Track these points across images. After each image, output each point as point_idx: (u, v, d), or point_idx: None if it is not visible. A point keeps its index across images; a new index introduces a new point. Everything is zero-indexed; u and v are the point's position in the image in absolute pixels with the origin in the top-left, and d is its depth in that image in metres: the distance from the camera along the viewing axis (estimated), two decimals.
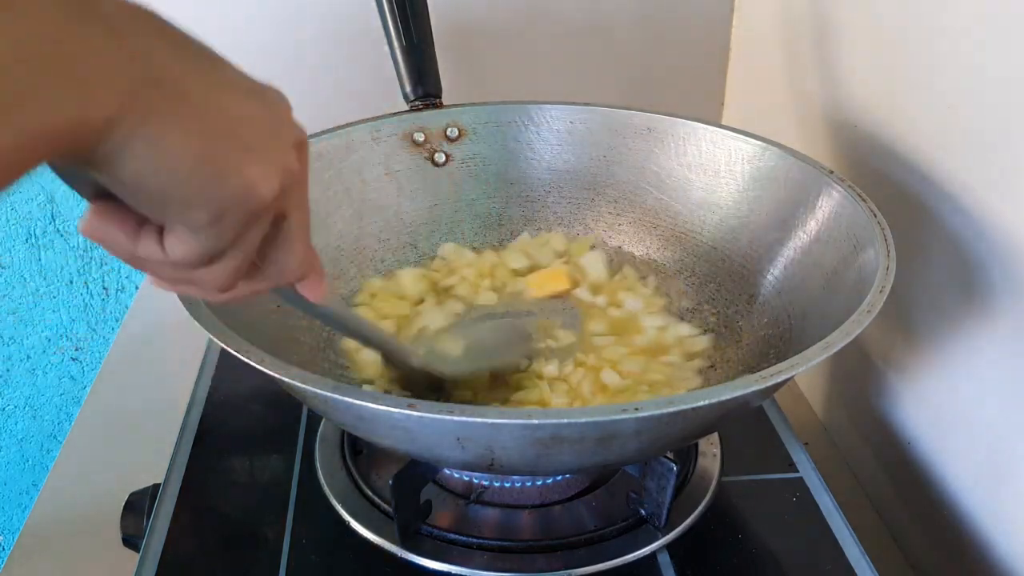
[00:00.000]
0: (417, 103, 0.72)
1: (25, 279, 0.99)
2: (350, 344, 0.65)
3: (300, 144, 0.36)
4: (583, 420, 0.40)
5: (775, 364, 0.43)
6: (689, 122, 0.71)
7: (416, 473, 0.53)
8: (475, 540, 0.54)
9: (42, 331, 1.03)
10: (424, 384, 0.58)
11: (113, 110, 0.28)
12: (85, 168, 0.30)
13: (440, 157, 0.74)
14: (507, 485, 0.58)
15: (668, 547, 0.55)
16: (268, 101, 0.35)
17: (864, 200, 0.58)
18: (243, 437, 0.65)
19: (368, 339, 0.55)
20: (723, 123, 0.77)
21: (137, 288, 1.01)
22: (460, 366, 0.62)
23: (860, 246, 0.56)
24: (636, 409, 0.40)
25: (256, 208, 0.33)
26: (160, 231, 0.33)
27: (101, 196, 0.33)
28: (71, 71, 0.27)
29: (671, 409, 0.41)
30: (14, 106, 0.25)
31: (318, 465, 0.61)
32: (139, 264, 0.35)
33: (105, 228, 0.33)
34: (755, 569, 0.54)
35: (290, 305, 0.45)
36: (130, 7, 0.30)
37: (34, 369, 1.05)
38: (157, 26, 0.31)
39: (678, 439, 0.53)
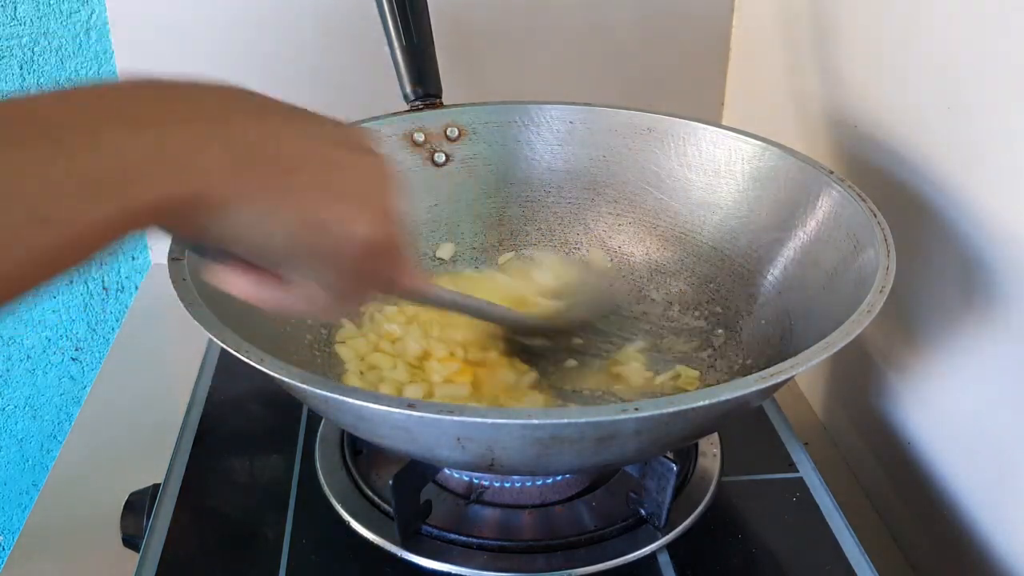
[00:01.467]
0: (417, 103, 0.72)
1: None
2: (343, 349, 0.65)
3: (389, 183, 0.39)
4: (583, 420, 0.40)
5: (775, 364, 0.43)
6: (689, 122, 0.71)
7: (416, 473, 0.53)
8: (475, 540, 0.54)
9: (42, 331, 1.02)
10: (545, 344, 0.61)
11: (223, 191, 0.32)
12: (210, 242, 0.33)
13: (440, 157, 0.74)
14: (507, 485, 0.58)
15: (668, 547, 0.55)
16: (358, 144, 0.38)
17: (864, 200, 0.58)
18: (243, 437, 0.65)
19: (467, 309, 0.57)
20: (723, 123, 0.77)
21: (137, 288, 1.01)
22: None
23: (860, 246, 0.56)
24: (636, 409, 0.40)
25: (359, 255, 0.36)
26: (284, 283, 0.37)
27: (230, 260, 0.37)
28: (190, 164, 0.31)
29: (671, 409, 0.41)
30: (128, 183, 0.29)
31: (318, 465, 0.61)
32: (277, 310, 0.39)
33: (231, 283, 0.38)
34: (755, 569, 0.54)
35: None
36: (223, 94, 0.36)
37: (34, 369, 1.05)
38: (243, 98, 0.36)
39: (678, 439, 0.53)
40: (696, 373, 0.65)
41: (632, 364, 0.66)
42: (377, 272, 0.40)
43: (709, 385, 0.62)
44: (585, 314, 0.66)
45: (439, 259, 0.75)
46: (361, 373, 0.63)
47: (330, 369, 0.63)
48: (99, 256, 0.31)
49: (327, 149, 0.36)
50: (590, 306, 0.68)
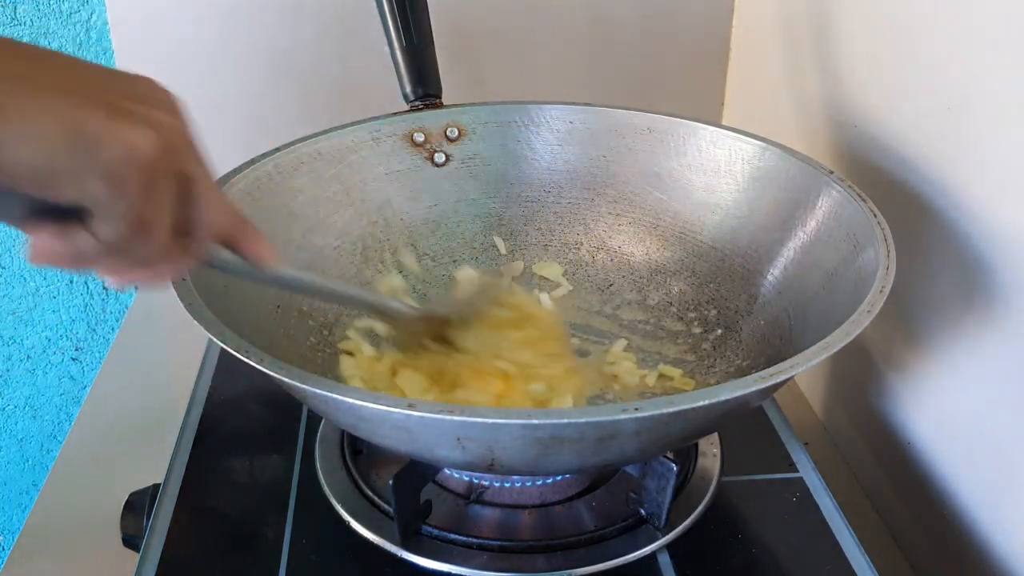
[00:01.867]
0: (417, 103, 0.72)
1: (25, 279, 0.99)
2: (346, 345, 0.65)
3: (172, 106, 0.37)
4: (583, 420, 0.40)
5: (775, 364, 0.43)
6: (689, 122, 0.71)
7: (416, 473, 0.53)
8: (475, 540, 0.54)
9: (42, 331, 1.02)
10: (423, 335, 0.60)
11: None
12: None
13: (440, 157, 0.74)
14: (507, 485, 0.58)
15: (668, 547, 0.55)
16: (131, 76, 0.37)
17: (864, 200, 0.58)
18: (243, 437, 0.65)
19: (348, 299, 0.57)
20: (723, 123, 0.77)
21: (137, 288, 1.01)
22: (452, 305, 0.64)
23: (860, 246, 0.56)
24: (636, 409, 0.40)
25: (145, 164, 0.34)
26: (87, 228, 0.35)
27: (30, 218, 0.35)
28: None
29: (671, 409, 0.41)
30: None
31: (318, 465, 0.61)
32: (87, 265, 0.37)
33: (45, 249, 0.36)
34: (755, 569, 0.54)
35: (253, 279, 0.47)
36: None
37: (34, 369, 1.05)
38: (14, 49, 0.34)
39: (678, 439, 0.53)
40: (678, 371, 0.65)
41: (625, 363, 0.66)
42: (184, 211, 0.37)
43: (706, 385, 0.62)
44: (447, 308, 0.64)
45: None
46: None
47: (330, 369, 0.63)
48: None
49: (98, 72, 0.35)
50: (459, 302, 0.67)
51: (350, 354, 0.65)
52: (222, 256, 0.44)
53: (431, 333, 0.61)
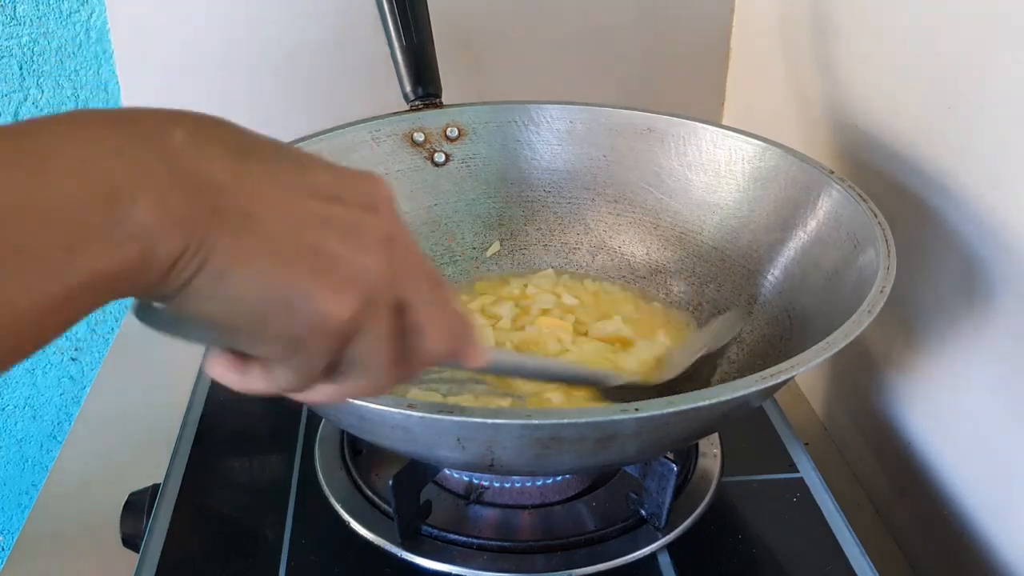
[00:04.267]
0: (417, 103, 0.72)
1: None
2: None
3: (389, 238, 0.32)
4: (583, 420, 0.40)
5: (775, 364, 0.43)
6: (689, 122, 0.71)
7: (416, 473, 0.53)
8: (475, 540, 0.54)
9: None
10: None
11: (175, 250, 0.27)
12: (162, 302, 0.29)
13: (440, 157, 0.74)
14: (507, 485, 0.58)
15: (668, 547, 0.55)
16: (348, 199, 0.32)
17: (864, 200, 0.58)
18: (243, 437, 0.65)
19: (546, 374, 0.54)
20: (723, 123, 0.77)
21: None
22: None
23: (860, 246, 0.56)
24: (636, 409, 0.40)
25: (337, 332, 0.30)
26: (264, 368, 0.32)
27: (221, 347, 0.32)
28: (127, 216, 0.25)
29: (671, 409, 0.41)
30: (75, 248, 0.25)
31: (318, 465, 0.61)
32: (275, 394, 0.33)
33: (221, 372, 0.33)
34: (755, 569, 0.54)
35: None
36: (199, 128, 0.28)
37: (34, 369, 1.05)
38: (221, 139, 0.29)
39: (678, 439, 0.53)
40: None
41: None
42: (404, 339, 0.33)
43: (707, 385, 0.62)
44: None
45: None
46: None
47: None
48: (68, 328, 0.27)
49: (311, 203, 0.30)
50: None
51: None
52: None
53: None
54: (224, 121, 0.30)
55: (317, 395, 0.34)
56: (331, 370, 0.32)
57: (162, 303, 0.29)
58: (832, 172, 0.62)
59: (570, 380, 0.56)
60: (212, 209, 0.27)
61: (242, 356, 0.32)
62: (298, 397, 0.34)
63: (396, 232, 0.32)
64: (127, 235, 0.25)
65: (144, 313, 0.30)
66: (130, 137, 0.27)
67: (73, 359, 1.05)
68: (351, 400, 0.36)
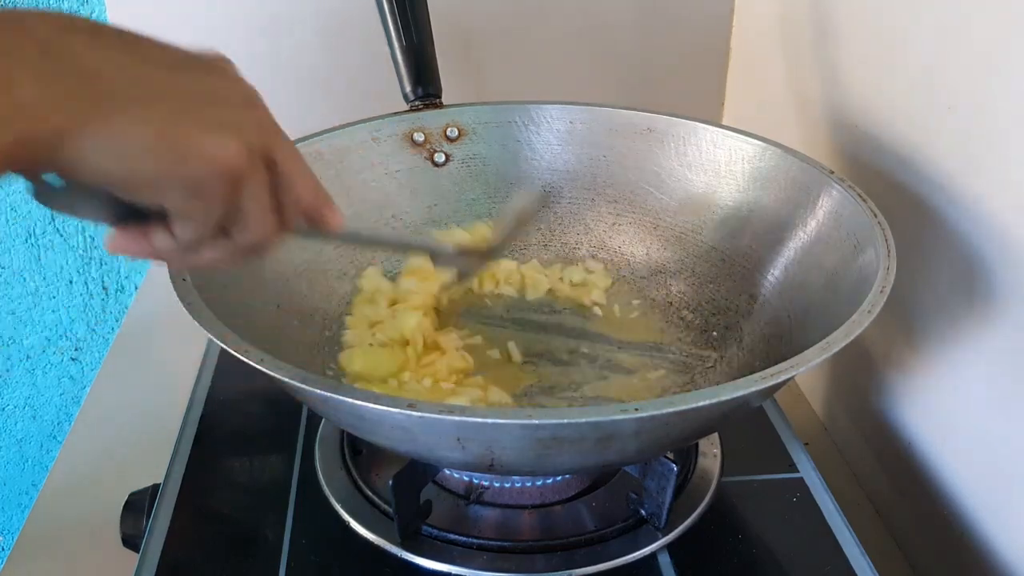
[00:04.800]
0: (417, 103, 0.72)
1: (25, 279, 0.99)
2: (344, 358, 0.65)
3: (249, 99, 0.37)
4: (583, 420, 0.40)
5: (775, 364, 0.43)
6: (689, 122, 0.71)
7: (416, 473, 0.53)
8: (475, 540, 0.54)
9: (42, 331, 1.02)
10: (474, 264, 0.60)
11: (59, 123, 0.31)
12: (58, 173, 0.33)
13: (440, 157, 0.74)
14: (507, 485, 0.58)
15: (668, 547, 0.55)
16: (206, 68, 0.37)
17: (864, 200, 0.58)
18: (243, 437, 0.65)
19: (395, 245, 0.62)
20: (723, 123, 0.77)
21: (137, 288, 1.01)
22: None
23: (860, 246, 0.56)
24: (636, 409, 0.40)
25: (228, 173, 0.34)
26: (166, 225, 0.36)
27: (114, 218, 0.36)
28: (11, 97, 0.30)
29: (671, 409, 0.41)
30: None
31: (318, 465, 0.61)
32: (173, 261, 0.38)
33: (124, 244, 0.37)
34: (755, 569, 0.54)
35: (315, 239, 0.47)
36: (57, 22, 0.33)
37: (34, 369, 1.05)
38: (82, 29, 0.34)
39: (678, 439, 0.53)
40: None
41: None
42: (275, 193, 0.38)
43: (706, 384, 0.62)
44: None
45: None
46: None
47: (331, 369, 0.63)
48: None
49: (176, 72, 0.35)
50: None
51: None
52: (299, 225, 0.43)
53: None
54: (77, 16, 0.35)
55: (210, 254, 0.38)
56: (222, 226, 0.37)
57: (65, 177, 0.33)
58: (832, 172, 0.62)
59: (404, 248, 0.68)
60: (92, 86, 0.32)
61: (140, 228, 0.36)
62: (192, 260, 0.38)
63: (254, 94, 0.38)
64: (14, 113, 0.30)
65: (42, 195, 0.34)
66: (4, 34, 0.31)
67: (73, 359, 1.05)
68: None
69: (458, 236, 0.72)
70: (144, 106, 0.33)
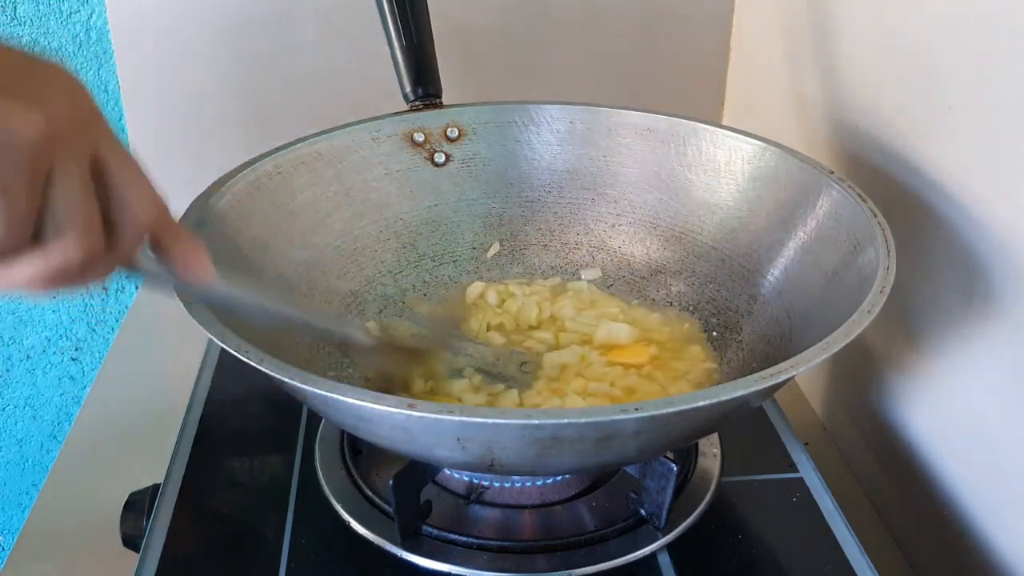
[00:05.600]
0: (417, 103, 0.72)
1: None
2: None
3: (77, 94, 0.34)
4: (583, 420, 0.40)
5: (775, 364, 0.43)
6: (689, 122, 0.71)
7: (416, 473, 0.53)
8: (475, 540, 0.54)
9: (42, 331, 1.02)
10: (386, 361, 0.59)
11: None
12: None
13: (440, 157, 0.74)
14: (507, 485, 0.58)
15: (668, 547, 0.55)
16: (37, 61, 0.34)
17: (864, 200, 0.58)
18: (243, 437, 0.65)
19: (298, 325, 0.52)
20: (723, 123, 0.77)
21: (137, 288, 1.01)
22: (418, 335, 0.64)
23: (860, 246, 0.56)
24: (636, 409, 0.40)
25: (28, 148, 0.30)
26: None
27: None
28: None
29: (671, 409, 0.41)
30: None
31: (318, 465, 0.61)
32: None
33: None
34: (755, 569, 0.54)
35: (181, 295, 0.41)
36: None
37: (34, 369, 1.05)
38: None
39: (678, 439, 0.53)
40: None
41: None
42: (104, 203, 0.33)
43: (708, 385, 0.62)
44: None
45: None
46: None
47: (331, 368, 0.63)
48: None
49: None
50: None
51: None
52: (150, 266, 0.39)
53: (393, 360, 0.59)
54: None
55: (25, 269, 0.33)
56: (36, 232, 0.32)
57: None
58: (832, 172, 0.62)
59: (312, 331, 0.55)
60: None
61: None
62: (5, 278, 0.33)
63: (83, 92, 0.34)
64: None
65: None
66: None
67: (73, 359, 1.05)
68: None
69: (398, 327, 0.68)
70: None
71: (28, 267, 0.33)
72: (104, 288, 1.01)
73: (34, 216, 0.32)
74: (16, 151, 0.30)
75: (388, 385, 0.59)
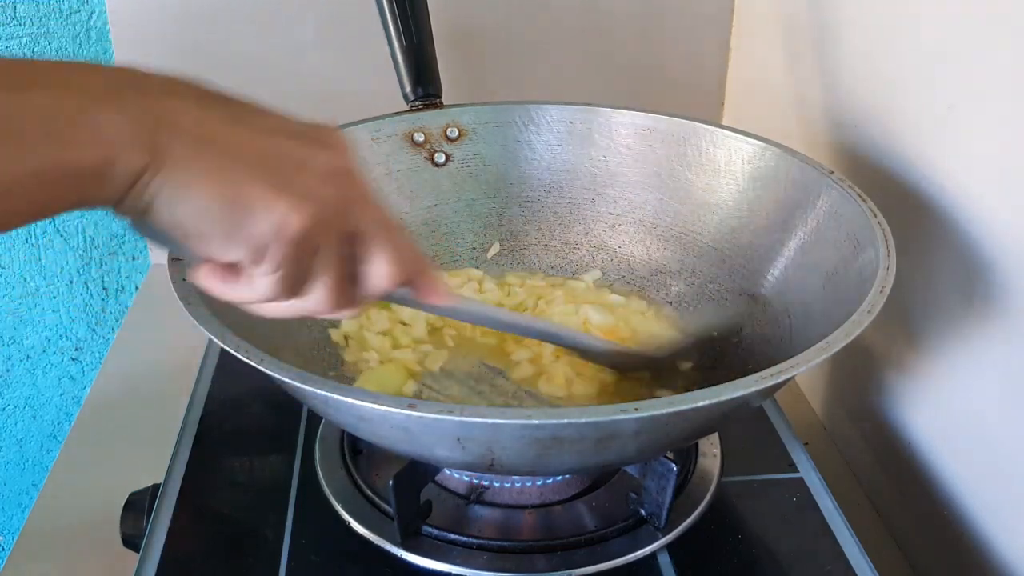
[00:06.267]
0: (417, 103, 0.72)
1: (25, 279, 0.99)
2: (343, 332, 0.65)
3: (340, 170, 0.38)
4: (583, 420, 0.40)
5: (775, 364, 0.43)
6: (689, 122, 0.71)
7: (416, 473, 0.53)
8: (475, 540, 0.54)
9: (42, 331, 1.02)
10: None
11: (138, 163, 0.32)
12: (137, 217, 0.34)
13: (440, 157, 0.74)
14: (507, 485, 0.58)
15: (668, 547, 0.55)
16: (306, 137, 0.38)
17: (864, 200, 0.58)
18: (243, 437, 0.65)
19: (517, 328, 0.58)
20: (723, 123, 0.77)
21: (137, 288, 1.01)
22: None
23: (860, 246, 0.56)
24: (636, 409, 0.40)
25: (292, 240, 0.35)
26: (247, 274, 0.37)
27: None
28: (94, 124, 0.31)
29: (671, 409, 0.41)
30: (46, 137, 0.30)
31: (318, 465, 0.61)
32: (258, 309, 0.40)
33: (206, 277, 0.38)
34: (755, 569, 0.54)
35: (423, 310, 0.48)
36: (170, 79, 0.35)
37: (34, 369, 1.05)
38: (192, 90, 0.35)
39: (678, 439, 0.53)
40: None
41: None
42: (356, 265, 0.39)
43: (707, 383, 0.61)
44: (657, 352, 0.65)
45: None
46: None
47: (331, 368, 0.63)
48: (47, 214, 0.32)
49: (268, 135, 0.36)
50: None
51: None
52: (400, 294, 0.44)
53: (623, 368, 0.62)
54: (194, 80, 0.36)
55: (286, 309, 0.40)
56: (299, 286, 0.38)
57: (135, 217, 0.34)
58: (832, 172, 0.62)
59: (550, 339, 0.60)
60: (174, 132, 0.33)
61: (226, 267, 0.37)
62: (269, 311, 0.40)
63: (352, 169, 0.39)
64: (91, 139, 0.31)
65: (136, 225, 0.35)
66: (116, 78, 0.33)
67: (73, 359, 1.05)
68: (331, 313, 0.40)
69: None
70: (221, 159, 0.34)
71: (290, 308, 0.40)
72: (104, 288, 1.02)
73: (297, 280, 0.37)
74: (281, 244, 0.35)
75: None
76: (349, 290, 0.40)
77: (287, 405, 0.65)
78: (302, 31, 0.89)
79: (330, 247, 0.37)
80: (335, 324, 0.66)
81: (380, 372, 0.64)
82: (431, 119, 0.73)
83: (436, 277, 0.44)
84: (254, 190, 0.34)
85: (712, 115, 0.99)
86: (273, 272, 0.36)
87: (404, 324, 0.67)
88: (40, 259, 0.99)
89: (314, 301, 0.39)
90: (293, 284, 0.37)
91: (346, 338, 0.66)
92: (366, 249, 0.39)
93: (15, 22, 0.88)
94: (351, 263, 0.39)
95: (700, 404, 0.41)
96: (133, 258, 1.00)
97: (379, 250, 0.39)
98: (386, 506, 0.56)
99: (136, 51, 0.88)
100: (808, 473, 0.60)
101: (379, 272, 0.40)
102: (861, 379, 0.73)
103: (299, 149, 0.37)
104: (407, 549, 0.54)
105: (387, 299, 0.44)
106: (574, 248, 0.76)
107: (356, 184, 0.39)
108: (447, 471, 0.58)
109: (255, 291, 0.37)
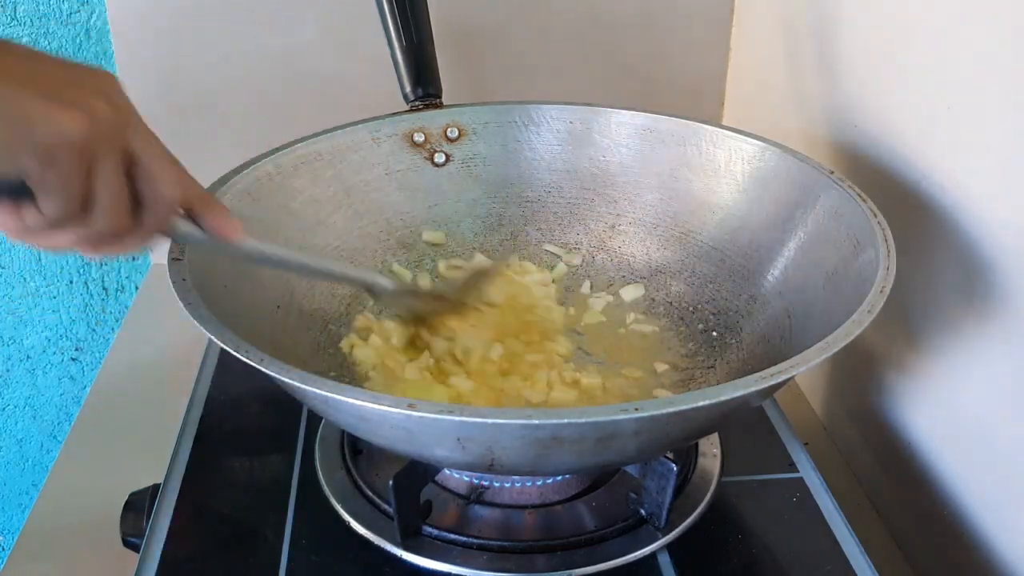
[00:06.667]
0: (417, 103, 0.72)
1: (25, 279, 0.99)
2: (349, 343, 0.65)
3: (111, 92, 0.40)
4: (583, 420, 0.40)
5: (775, 364, 0.43)
6: (689, 122, 0.71)
7: (416, 473, 0.53)
8: (475, 540, 0.54)
9: (42, 331, 1.02)
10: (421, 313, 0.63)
11: None
12: None
13: (440, 157, 0.74)
14: (507, 485, 0.58)
15: (668, 547, 0.55)
16: (77, 66, 0.40)
17: (864, 200, 0.58)
18: (243, 437, 0.65)
19: (331, 275, 0.61)
20: (723, 123, 0.77)
21: (137, 288, 1.01)
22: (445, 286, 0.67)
23: (860, 246, 0.56)
24: (636, 409, 0.40)
25: (75, 143, 0.37)
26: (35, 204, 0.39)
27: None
28: None
29: (671, 409, 0.41)
30: None
31: (318, 465, 0.61)
32: (39, 239, 0.41)
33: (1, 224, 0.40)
34: (755, 569, 0.54)
35: (224, 253, 0.49)
36: None
37: (34, 369, 1.05)
38: None
39: (678, 439, 0.53)
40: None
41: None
42: (136, 187, 0.41)
43: (706, 385, 0.62)
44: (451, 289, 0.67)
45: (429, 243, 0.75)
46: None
47: (331, 369, 0.63)
48: None
49: (37, 59, 0.38)
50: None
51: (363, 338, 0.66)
52: (187, 230, 0.46)
53: (425, 312, 0.63)
54: None
55: (71, 236, 0.41)
56: (84, 204, 0.39)
57: None
58: (832, 172, 0.62)
59: (337, 278, 0.64)
60: None
61: (13, 204, 0.39)
62: (54, 240, 0.41)
63: (122, 94, 0.41)
64: None
65: None
66: None
67: (73, 359, 1.05)
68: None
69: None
70: (5, 80, 0.36)
71: (74, 233, 0.41)
72: (104, 288, 1.02)
73: (83, 195, 0.39)
74: (68, 148, 0.37)
75: (419, 324, 0.63)
76: (134, 213, 0.41)
77: (287, 405, 0.65)
78: (302, 31, 0.89)
79: (109, 162, 0.39)
80: (344, 329, 0.66)
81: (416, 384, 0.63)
82: (431, 119, 0.73)
83: (223, 210, 0.47)
84: (29, 103, 0.36)
85: (712, 115, 0.99)
86: (59, 188, 0.38)
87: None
88: (40, 259, 0.99)
89: (100, 222, 0.40)
90: (79, 200, 0.39)
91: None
92: (144, 169, 0.41)
93: (15, 22, 0.88)
94: (132, 184, 0.41)
95: (700, 404, 0.41)
96: (133, 258, 1.00)
97: (157, 170, 0.42)
98: (386, 506, 0.56)
99: (136, 51, 0.88)
100: (808, 473, 0.60)
101: (160, 191, 0.42)
102: (861, 379, 0.73)
103: (68, 71, 0.39)
104: (407, 549, 0.54)
105: (179, 238, 0.46)
106: (574, 248, 0.76)
107: (128, 108, 0.41)
108: (447, 471, 0.58)
109: (48, 212, 0.39)
